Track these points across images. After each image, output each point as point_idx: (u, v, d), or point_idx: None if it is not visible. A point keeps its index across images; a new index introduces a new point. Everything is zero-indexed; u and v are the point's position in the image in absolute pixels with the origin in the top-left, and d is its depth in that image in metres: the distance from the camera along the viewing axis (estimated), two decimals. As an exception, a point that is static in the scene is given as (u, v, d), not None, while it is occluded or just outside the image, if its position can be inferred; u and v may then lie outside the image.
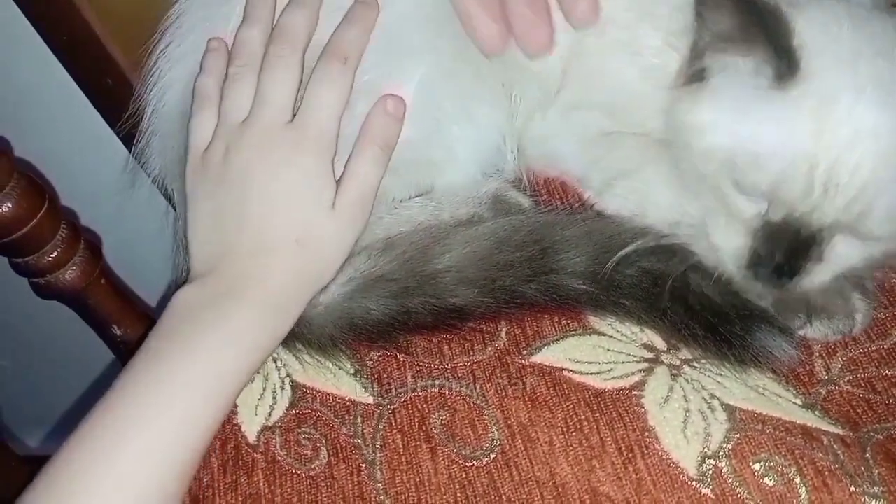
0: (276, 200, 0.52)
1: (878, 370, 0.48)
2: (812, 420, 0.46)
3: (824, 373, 0.49)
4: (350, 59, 0.54)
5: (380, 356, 0.55)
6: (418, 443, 0.50)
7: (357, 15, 0.54)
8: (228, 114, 0.54)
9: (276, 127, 0.52)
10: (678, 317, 0.50)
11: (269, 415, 0.53)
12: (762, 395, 0.48)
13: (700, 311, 0.49)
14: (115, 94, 0.73)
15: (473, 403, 0.51)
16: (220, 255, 0.51)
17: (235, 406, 0.53)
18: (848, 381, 0.48)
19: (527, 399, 0.50)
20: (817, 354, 0.50)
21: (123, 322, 0.74)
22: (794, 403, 0.47)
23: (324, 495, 0.49)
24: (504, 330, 0.54)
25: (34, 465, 0.46)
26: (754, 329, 0.48)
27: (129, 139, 0.62)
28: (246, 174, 0.52)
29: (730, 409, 0.47)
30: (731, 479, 0.45)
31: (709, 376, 0.49)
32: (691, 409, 0.48)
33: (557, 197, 0.61)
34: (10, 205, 0.65)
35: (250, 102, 0.53)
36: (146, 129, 0.61)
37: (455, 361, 0.53)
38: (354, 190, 0.53)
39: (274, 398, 0.54)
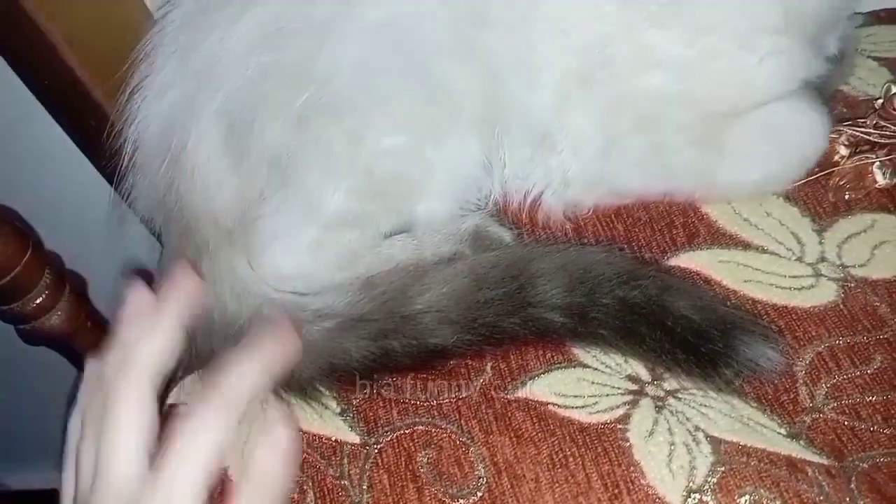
0: None
1: (863, 396, 0.48)
2: (797, 450, 0.46)
3: (808, 400, 0.48)
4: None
5: (365, 394, 0.54)
6: (405, 482, 0.50)
7: (244, 357, 0.42)
8: (80, 477, 0.43)
9: (120, 487, 0.40)
10: (657, 343, 0.50)
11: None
12: (746, 425, 0.48)
13: (679, 333, 0.49)
14: (99, 136, 0.74)
15: (459, 441, 0.51)
16: None
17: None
18: (832, 409, 0.48)
19: (512, 435, 0.50)
20: (801, 381, 0.49)
21: (111, 364, 0.73)
22: (779, 433, 0.47)
23: (310, 540, 0.48)
24: (489, 364, 0.54)
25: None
26: (736, 343, 0.48)
27: (113, 178, 0.62)
28: None
29: (714, 442, 0.47)
30: (717, 514, 0.45)
31: (693, 408, 0.49)
32: (676, 443, 0.48)
33: (540, 227, 0.61)
34: (-7, 254, 0.65)
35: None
36: (128, 167, 0.61)
37: (441, 398, 0.53)
38: None
39: (260, 441, 0.54)
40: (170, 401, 0.58)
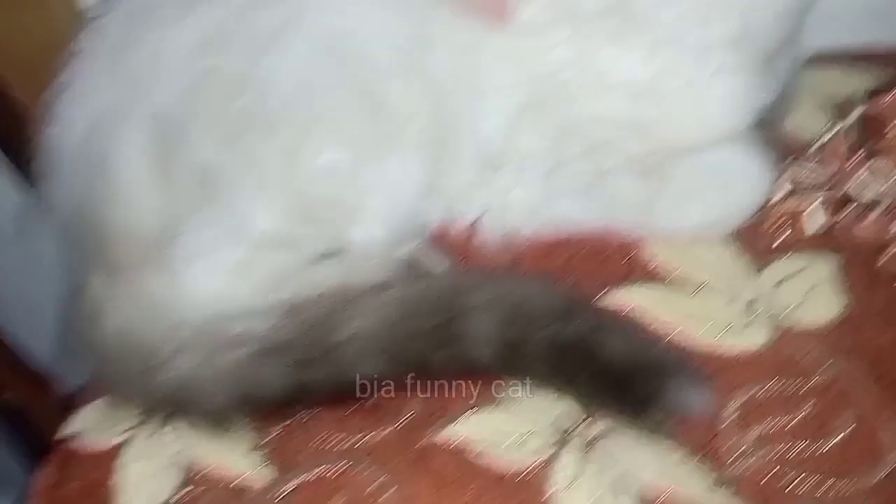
0: None
1: (792, 444, 0.47)
2: (724, 500, 0.45)
3: (738, 447, 0.47)
4: None
5: (283, 427, 0.51)
6: (316, 528, 0.47)
7: None
8: None
9: None
10: (587, 383, 0.48)
11: (154, 497, 0.49)
12: (674, 472, 0.46)
13: (610, 374, 0.48)
14: (13, 139, 0.70)
15: (377, 484, 0.48)
16: None
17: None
18: (761, 456, 0.46)
19: (432, 479, 0.47)
20: (731, 426, 0.48)
21: (10, 387, 0.68)
22: (706, 482, 0.45)
23: (208, 591, 0.45)
24: (413, 401, 0.51)
25: None
26: (667, 385, 0.47)
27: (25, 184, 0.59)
28: None
29: (641, 490, 0.45)
30: (640, 568, 0.43)
31: (620, 453, 0.47)
32: (602, 491, 0.45)
33: (477, 256, 0.59)
34: None
35: None
36: (44, 173, 0.56)
37: (360, 437, 0.50)
38: None
39: (162, 478, 0.50)
40: (68, 431, 0.54)
